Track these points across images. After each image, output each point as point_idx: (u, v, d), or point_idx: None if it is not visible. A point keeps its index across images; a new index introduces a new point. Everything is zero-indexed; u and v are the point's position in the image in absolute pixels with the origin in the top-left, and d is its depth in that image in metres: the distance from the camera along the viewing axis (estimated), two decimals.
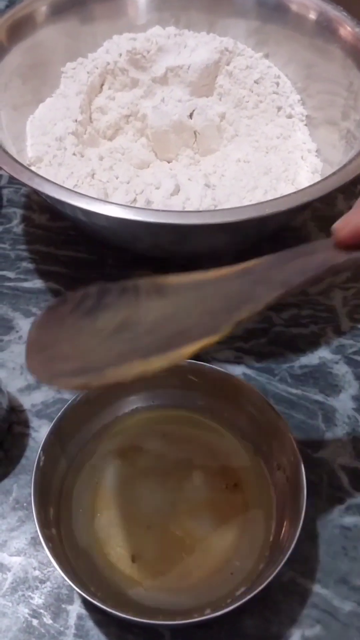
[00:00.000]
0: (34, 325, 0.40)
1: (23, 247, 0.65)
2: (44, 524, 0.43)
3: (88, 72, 0.68)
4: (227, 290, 0.38)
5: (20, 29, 0.64)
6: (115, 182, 0.57)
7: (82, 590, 0.40)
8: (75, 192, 0.50)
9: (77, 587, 0.40)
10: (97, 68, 0.68)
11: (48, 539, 0.42)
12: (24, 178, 0.51)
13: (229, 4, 0.72)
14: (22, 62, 0.64)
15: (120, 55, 0.68)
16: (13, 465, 0.50)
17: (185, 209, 0.55)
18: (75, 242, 0.65)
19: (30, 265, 0.64)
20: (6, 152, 0.54)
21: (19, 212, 0.68)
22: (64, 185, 0.52)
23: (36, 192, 0.64)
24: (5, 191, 0.70)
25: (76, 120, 0.63)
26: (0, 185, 0.70)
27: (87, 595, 0.40)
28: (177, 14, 0.73)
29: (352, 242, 0.37)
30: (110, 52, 0.69)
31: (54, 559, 0.41)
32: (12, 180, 0.70)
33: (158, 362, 0.34)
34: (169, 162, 0.67)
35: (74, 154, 0.60)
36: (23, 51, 0.64)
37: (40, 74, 0.67)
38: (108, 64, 0.68)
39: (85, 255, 0.64)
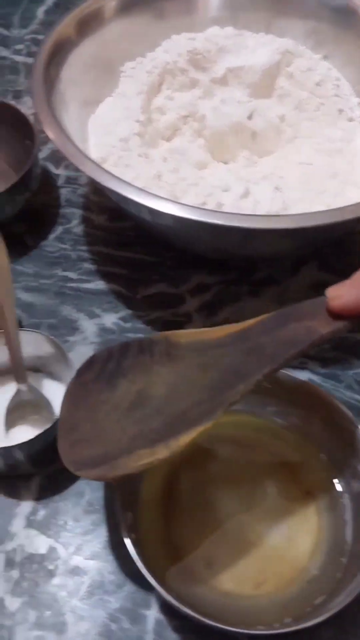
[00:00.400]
0: (64, 400, 0.46)
1: (84, 247, 0.65)
2: (129, 529, 0.43)
3: (147, 72, 0.67)
4: (224, 361, 0.42)
5: (88, 25, 0.64)
6: (182, 184, 0.57)
7: (170, 595, 0.40)
8: (156, 196, 0.50)
9: (164, 590, 0.40)
10: (157, 68, 0.67)
11: (134, 544, 0.42)
12: (102, 179, 0.51)
13: (288, 4, 0.72)
14: (87, 59, 0.64)
15: (180, 55, 0.67)
16: None
17: (256, 212, 0.54)
18: (134, 243, 0.65)
19: (92, 266, 0.64)
20: (80, 151, 0.54)
21: (78, 212, 0.68)
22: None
23: (100, 191, 0.65)
24: (63, 191, 0.70)
25: (138, 121, 0.63)
26: (58, 185, 0.70)
27: (177, 602, 0.40)
28: (236, 14, 0.72)
29: (342, 314, 0.39)
30: (170, 52, 0.68)
31: (143, 565, 0.41)
32: (70, 181, 0.70)
33: (160, 452, 0.40)
34: (225, 164, 0.67)
35: (139, 155, 0.59)
36: (89, 47, 0.64)
37: (102, 72, 0.66)
38: (167, 63, 0.67)
39: (145, 257, 0.64)
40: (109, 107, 0.66)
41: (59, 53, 0.62)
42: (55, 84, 0.60)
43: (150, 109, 0.67)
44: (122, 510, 0.43)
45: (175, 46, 0.68)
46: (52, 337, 0.51)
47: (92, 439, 0.43)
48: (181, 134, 0.67)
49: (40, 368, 0.54)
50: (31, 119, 0.65)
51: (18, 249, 0.64)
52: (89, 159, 0.53)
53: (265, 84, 0.68)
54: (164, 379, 0.43)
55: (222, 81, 0.67)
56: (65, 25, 0.64)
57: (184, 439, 0.39)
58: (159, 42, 0.70)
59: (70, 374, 0.48)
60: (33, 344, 0.52)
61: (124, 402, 0.43)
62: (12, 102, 0.69)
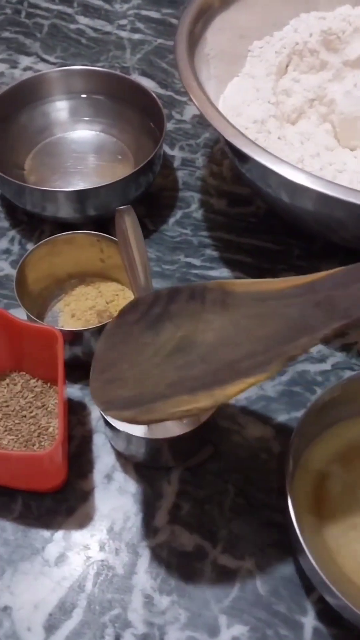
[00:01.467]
0: (102, 339, 0.43)
1: (205, 233, 0.63)
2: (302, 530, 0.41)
3: (276, 52, 0.64)
4: (287, 311, 0.38)
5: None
6: (329, 169, 0.55)
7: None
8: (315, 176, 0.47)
9: (350, 604, 0.38)
10: (285, 48, 0.64)
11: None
12: (256, 154, 0.48)
13: None
14: (219, 37, 0.62)
15: (311, 35, 0.64)
16: (226, 463, 0.49)
17: None
18: (257, 230, 0.63)
19: (214, 253, 0.61)
20: (230, 123, 0.51)
21: (196, 196, 0.66)
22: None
23: (218, 175, 0.63)
24: (179, 174, 0.67)
25: (272, 103, 0.60)
26: (175, 167, 0.68)
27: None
28: None
29: None
30: (300, 32, 0.65)
31: (315, 562, 0.39)
32: (186, 163, 0.68)
33: (203, 401, 0.36)
34: (351, 150, 0.64)
35: (279, 138, 0.57)
36: (222, 24, 0.62)
37: (230, 52, 0.64)
38: (297, 44, 0.64)
39: (270, 245, 0.61)
40: (237, 87, 0.63)
41: (197, 30, 0.59)
42: (195, 63, 0.58)
43: (277, 91, 0.64)
44: (295, 513, 0.41)
45: (305, 25, 0.65)
46: None
47: (127, 380, 0.39)
48: (306, 118, 0.64)
49: None
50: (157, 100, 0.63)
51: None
52: (240, 132, 0.50)
53: None
54: (214, 327, 0.40)
55: (355, 64, 0.64)
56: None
57: (231, 390, 0.36)
58: (287, 21, 0.67)
59: None
60: None
61: (167, 347, 0.40)
62: (141, 82, 0.66)
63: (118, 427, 0.45)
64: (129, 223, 0.46)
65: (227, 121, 0.52)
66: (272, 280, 0.40)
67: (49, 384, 0.50)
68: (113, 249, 0.55)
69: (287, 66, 0.66)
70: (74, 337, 0.51)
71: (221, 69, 0.64)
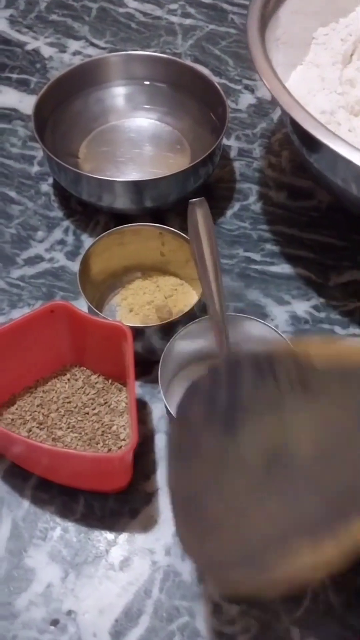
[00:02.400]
0: (171, 454, 0.36)
1: (264, 227, 0.61)
2: None
3: (342, 40, 0.62)
4: None
5: None
6: None
7: None
8: None
9: None
10: (351, 35, 0.62)
11: None
12: (332, 142, 0.46)
13: None
14: (285, 22, 0.59)
15: None
16: None
17: None
18: (320, 224, 0.60)
19: (275, 248, 0.59)
20: (305, 109, 0.49)
21: (255, 188, 0.63)
22: None
23: (276, 166, 0.60)
24: (236, 164, 0.65)
25: (339, 93, 0.58)
26: (231, 158, 0.65)
27: None
28: None
29: None
30: None
31: None
32: (243, 154, 0.66)
33: (330, 550, 0.27)
34: None
35: (349, 130, 0.55)
36: (288, 11, 0.59)
37: (295, 38, 0.61)
38: None
39: (334, 241, 0.59)
40: (301, 76, 0.61)
41: (265, 16, 0.57)
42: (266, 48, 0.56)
43: (342, 81, 0.62)
44: None
45: None
46: (270, 325, 0.47)
47: (221, 522, 0.31)
48: None
49: None
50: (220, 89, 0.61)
51: None
52: (314, 118, 0.48)
53: None
54: (305, 424, 0.31)
55: None
56: None
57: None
58: (353, 8, 0.64)
59: None
60: (243, 330, 0.48)
61: (256, 461, 0.32)
62: (205, 72, 0.63)
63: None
64: (202, 216, 0.45)
65: (302, 107, 0.50)
66: (352, 348, 0.33)
67: (110, 381, 0.49)
68: (175, 242, 0.53)
69: (351, 55, 0.63)
70: (135, 333, 0.49)
71: (288, 55, 0.61)
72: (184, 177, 0.56)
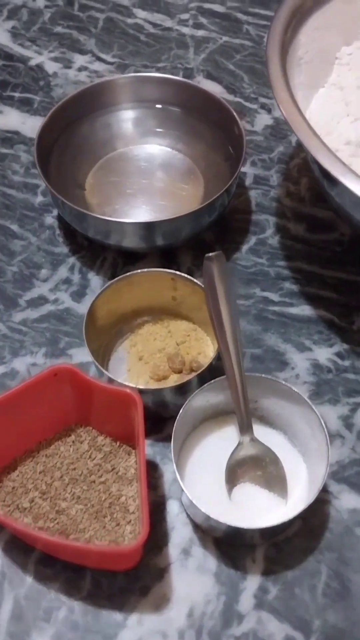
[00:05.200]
0: None
1: (282, 263, 0.57)
2: None
3: None
4: None
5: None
6: None
7: None
8: None
9: None
10: None
11: None
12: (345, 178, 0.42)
13: None
14: (309, 41, 0.55)
15: None
16: (316, 539, 0.44)
17: None
18: (343, 261, 0.56)
19: (294, 287, 0.55)
20: (321, 141, 0.45)
21: (272, 220, 0.59)
22: None
23: (294, 195, 0.57)
24: (252, 193, 0.61)
25: None
26: (246, 186, 0.61)
27: None
28: None
29: None
30: None
31: None
32: (259, 181, 0.62)
33: None
34: None
35: None
36: (311, 27, 0.55)
37: (317, 58, 0.57)
38: None
39: (358, 279, 0.55)
40: (324, 100, 0.57)
41: (286, 35, 0.53)
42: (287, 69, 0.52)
43: None
44: None
45: None
46: (288, 384, 0.43)
47: None
48: None
49: (267, 416, 0.47)
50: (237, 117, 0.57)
51: None
52: (334, 154, 0.44)
53: None
54: None
55: None
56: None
57: None
58: None
59: (312, 432, 0.41)
60: (261, 390, 0.45)
61: None
62: (222, 98, 0.59)
63: (196, 504, 0.40)
64: (218, 271, 0.41)
65: (320, 140, 0.46)
66: None
67: (117, 443, 0.45)
68: (188, 288, 0.49)
69: None
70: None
71: (312, 76, 0.57)
72: (198, 215, 0.52)
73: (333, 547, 0.43)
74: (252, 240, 0.58)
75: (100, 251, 0.57)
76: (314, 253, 0.57)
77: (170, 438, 0.47)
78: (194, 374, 0.46)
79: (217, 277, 0.41)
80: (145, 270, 0.49)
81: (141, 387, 0.44)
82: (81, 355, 0.52)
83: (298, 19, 0.55)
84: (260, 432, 0.46)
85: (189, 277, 0.48)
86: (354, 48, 0.59)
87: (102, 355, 0.51)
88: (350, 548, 0.43)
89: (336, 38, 0.58)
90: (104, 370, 0.45)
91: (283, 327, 0.53)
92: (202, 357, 0.50)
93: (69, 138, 0.59)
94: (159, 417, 0.48)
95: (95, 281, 0.56)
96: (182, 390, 0.45)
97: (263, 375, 0.44)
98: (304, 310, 0.54)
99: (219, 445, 0.46)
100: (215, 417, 0.47)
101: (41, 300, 0.55)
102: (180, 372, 0.50)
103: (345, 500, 0.45)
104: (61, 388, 0.43)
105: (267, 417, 0.47)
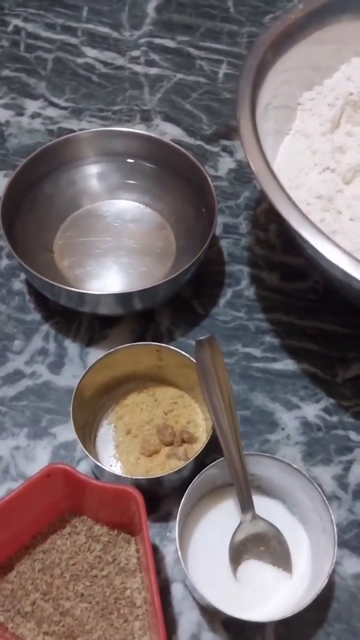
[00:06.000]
0: None
1: (260, 315, 0.56)
2: None
3: (329, 105, 0.57)
4: None
5: (278, 49, 0.54)
6: None
7: None
8: None
9: None
10: (339, 99, 0.58)
11: None
12: (314, 240, 0.42)
13: None
14: (273, 89, 0.54)
15: None
16: (324, 610, 0.43)
17: None
18: (320, 309, 0.56)
19: (275, 340, 0.55)
20: (292, 203, 0.45)
21: (245, 270, 0.59)
22: None
23: (265, 243, 0.57)
24: (223, 243, 0.60)
25: (333, 170, 0.53)
26: (217, 236, 0.60)
27: None
28: None
29: None
30: (353, 79, 0.58)
31: None
32: (229, 230, 0.61)
33: None
34: None
35: (351, 220, 0.50)
36: (275, 76, 0.54)
37: (282, 105, 0.56)
38: (351, 94, 0.58)
39: (337, 328, 0.55)
40: (289, 149, 0.56)
41: (256, 83, 0.52)
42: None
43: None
44: None
45: (358, 72, 0.58)
46: (289, 462, 0.43)
47: None
48: None
49: (265, 487, 0.46)
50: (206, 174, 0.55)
51: (189, 318, 0.56)
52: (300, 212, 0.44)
53: None
54: None
55: None
56: (260, 49, 0.53)
57: None
58: (337, 66, 0.60)
59: (313, 505, 0.41)
60: (259, 465, 0.44)
61: None
62: (188, 153, 0.57)
63: (202, 593, 0.39)
64: (212, 356, 0.40)
65: (288, 199, 0.45)
66: None
67: (115, 531, 0.44)
68: (174, 357, 0.48)
69: (339, 118, 0.59)
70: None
71: (279, 121, 0.56)
72: (175, 281, 0.51)
73: (341, 617, 0.43)
74: (229, 292, 0.58)
75: (75, 315, 0.55)
76: (291, 303, 0.57)
77: (167, 517, 0.46)
78: (186, 450, 0.45)
79: (210, 362, 0.40)
80: (129, 345, 0.48)
81: (139, 477, 0.43)
82: (66, 432, 0.50)
83: (266, 64, 0.54)
84: (260, 503, 0.45)
85: (175, 349, 0.47)
86: (315, 93, 0.59)
87: (89, 431, 0.49)
88: (358, 618, 0.43)
89: (296, 84, 0.58)
90: (99, 464, 0.44)
91: (269, 385, 0.53)
92: (192, 426, 0.49)
93: (34, 198, 0.57)
94: (154, 496, 0.47)
95: (73, 349, 0.54)
96: (178, 473, 0.44)
97: (260, 453, 0.44)
98: (288, 364, 0.54)
99: (219, 521, 0.45)
100: (213, 491, 0.46)
101: (17, 375, 0.53)
102: (171, 444, 0.49)
103: (348, 566, 0.45)
104: (55, 486, 0.41)
105: (265, 487, 0.46)
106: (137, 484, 0.43)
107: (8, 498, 0.39)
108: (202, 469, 0.43)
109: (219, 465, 0.43)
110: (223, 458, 0.42)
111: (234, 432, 0.41)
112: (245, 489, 0.43)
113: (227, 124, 0.69)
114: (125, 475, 0.44)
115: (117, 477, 0.44)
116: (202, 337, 0.40)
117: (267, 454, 0.44)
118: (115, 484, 0.41)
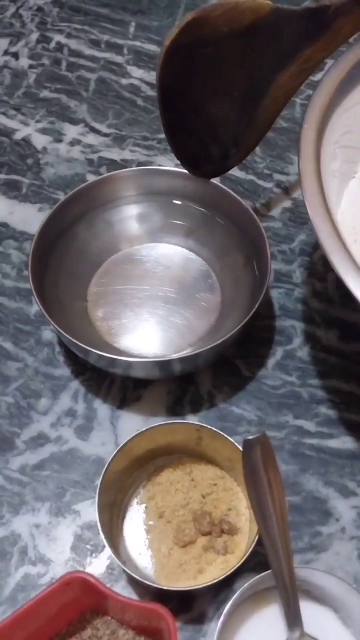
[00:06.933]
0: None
1: (315, 382, 0.50)
2: None
3: None
4: None
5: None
6: None
7: None
8: None
9: None
10: None
11: None
12: None
13: None
14: (341, 128, 0.47)
15: None
16: None
17: None
18: None
19: (331, 412, 0.49)
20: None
21: (299, 326, 0.52)
22: None
23: (321, 295, 0.51)
24: (274, 293, 0.54)
25: None
26: (268, 285, 0.54)
27: None
28: None
29: None
30: None
31: None
32: (280, 279, 0.55)
33: None
34: None
35: None
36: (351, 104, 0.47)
37: (347, 146, 0.50)
38: None
39: None
40: (354, 195, 0.50)
41: (327, 114, 0.45)
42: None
43: None
44: None
45: None
46: (340, 577, 0.36)
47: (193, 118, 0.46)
48: None
49: (314, 591, 0.40)
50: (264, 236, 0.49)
51: (233, 380, 0.50)
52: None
53: None
54: None
55: None
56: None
57: None
58: None
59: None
60: (311, 581, 0.38)
61: None
62: (240, 199, 0.50)
63: None
64: (264, 456, 0.34)
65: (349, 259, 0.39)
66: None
67: (142, 637, 0.38)
68: (216, 441, 0.42)
69: None
70: None
71: (347, 162, 0.50)
72: (220, 345, 0.45)
73: None
74: (279, 352, 0.51)
75: (107, 373, 0.50)
76: (351, 368, 0.50)
77: (202, 618, 0.41)
78: (226, 542, 0.39)
79: (261, 465, 0.34)
80: (165, 423, 0.42)
81: (171, 587, 0.38)
82: (91, 510, 0.45)
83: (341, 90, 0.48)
84: (308, 610, 0.39)
85: (217, 431, 0.41)
86: None
87: (117, 511, 0.44)
88: None
89: None
90: (124, 567, 0.38)
91: (323, 466, 0.46)
92: (234, 514, 0.43)
93: (67, 243, 0.51)
94: (187, 595, 0.41)
95: (103, 411, 0.49)
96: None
97: (313, 568, 0.38)
98: (346, 442, 0.47)
99: (262, 631, 0.39)
100: (255, 594, 0.40)
101: (41, 439, 0.48)
102: (209, 533, 0.43)
103: None
104: (74, 593, 0.36)
105: (314, 592, 0.40)
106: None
107: (25, 608, 0.34)
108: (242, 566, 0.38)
109: (266, 576, 0.37)
110: (270, 571, 0.36)
111: (285, 547, 0.35)
112: (293, 605, 0.37)
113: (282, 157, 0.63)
114: (155, 585, 0.38)
115: (147, 585, 0.39)
116: (251, 437, 0.34)
117: (320, 570, 0.37)
118: (143, 602, 0.35)
